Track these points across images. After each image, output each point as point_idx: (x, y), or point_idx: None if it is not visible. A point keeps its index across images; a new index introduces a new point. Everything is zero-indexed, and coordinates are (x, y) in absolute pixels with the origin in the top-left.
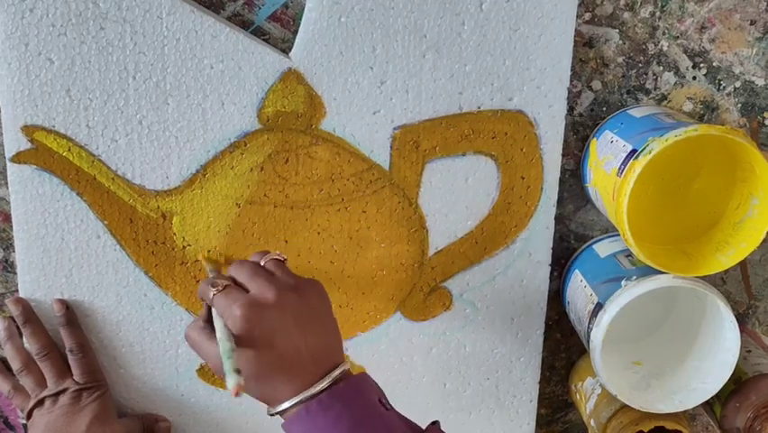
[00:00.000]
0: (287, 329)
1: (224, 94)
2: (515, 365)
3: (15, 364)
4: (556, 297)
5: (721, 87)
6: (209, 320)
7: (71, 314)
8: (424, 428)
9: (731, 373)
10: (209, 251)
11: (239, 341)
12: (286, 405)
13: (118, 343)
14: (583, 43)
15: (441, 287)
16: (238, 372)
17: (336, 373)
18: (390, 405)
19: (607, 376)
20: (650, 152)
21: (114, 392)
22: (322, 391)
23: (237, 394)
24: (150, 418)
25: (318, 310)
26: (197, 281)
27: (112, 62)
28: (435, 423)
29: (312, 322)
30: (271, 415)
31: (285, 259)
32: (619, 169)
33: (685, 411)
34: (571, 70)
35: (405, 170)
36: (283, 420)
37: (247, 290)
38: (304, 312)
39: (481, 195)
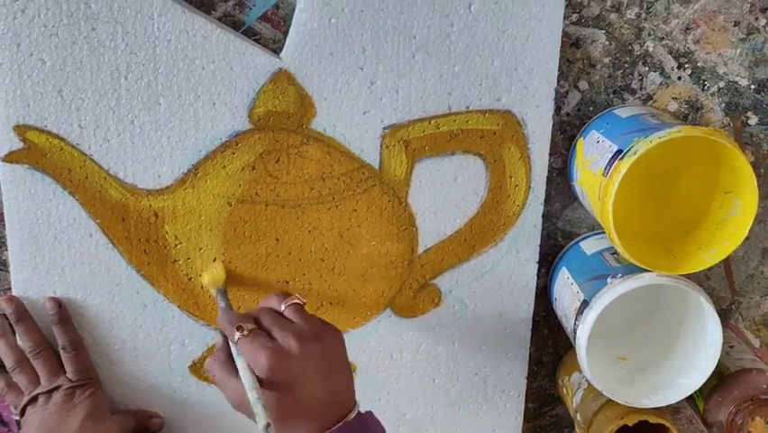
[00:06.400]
0: (308, 377)
1: (215, 94)
2: (503, 361)
3: (8, 362)
4: (543, 293)
5: (705, 88)
6: (229, 354)
7: (64, 312)
8: None
9: (714, 367)
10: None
11: (262, 384)
12: None
13: (111, 340)
14: (570, 44)
15: (430, 284)
16: (268, 425)
17: (351, 416)
18: None
19: (592, 372)
20: (635, 153)
21: (107, 389)
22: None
23: None
24: (143, 414)
25: (337, 358)
26: (189, 279)
27: (104, 63)
28: None
29: (330, 370)
30: None
31: (304, 303)
32: (605, 169)
33: (669, 405)
34: (559, 71)
35: (394, 169)
36: None
37: (270, 335)
38: (324, 361)
39: (470, 193)
